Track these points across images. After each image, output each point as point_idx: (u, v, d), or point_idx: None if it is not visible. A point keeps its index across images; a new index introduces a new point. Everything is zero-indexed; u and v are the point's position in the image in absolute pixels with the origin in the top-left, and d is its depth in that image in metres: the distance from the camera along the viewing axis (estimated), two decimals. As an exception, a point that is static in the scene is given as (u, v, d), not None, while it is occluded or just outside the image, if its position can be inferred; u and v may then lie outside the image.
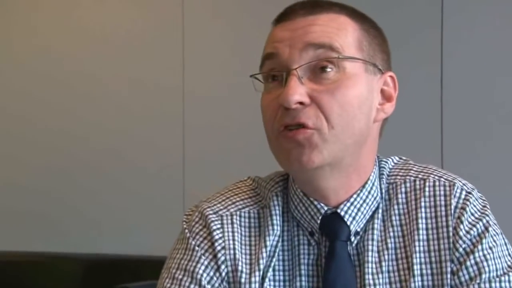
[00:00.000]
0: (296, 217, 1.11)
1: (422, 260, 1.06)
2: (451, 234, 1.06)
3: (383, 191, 1.11)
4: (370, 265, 1.06)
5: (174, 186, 3.02)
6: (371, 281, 1.05)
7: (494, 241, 1.07)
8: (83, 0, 3.25)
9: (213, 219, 1.11)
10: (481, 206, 1.10)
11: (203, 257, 1.09)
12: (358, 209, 1.08)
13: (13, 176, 3.31)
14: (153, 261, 2.64)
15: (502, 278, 1.05)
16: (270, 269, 1.08)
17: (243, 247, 1.09)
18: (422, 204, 1.08)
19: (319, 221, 1.08)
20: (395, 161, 1.16)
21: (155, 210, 3.04)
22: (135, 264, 2.89)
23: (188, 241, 1.11)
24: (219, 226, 1.10)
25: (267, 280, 1.07)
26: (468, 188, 1.10)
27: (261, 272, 1.07)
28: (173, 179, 3.03)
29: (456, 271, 1.05)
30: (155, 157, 3.07)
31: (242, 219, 1.11)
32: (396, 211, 1.10)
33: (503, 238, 1.10)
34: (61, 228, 3.18)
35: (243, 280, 1.06)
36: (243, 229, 1.10)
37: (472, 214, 1.08)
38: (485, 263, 1.05)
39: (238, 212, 1.12)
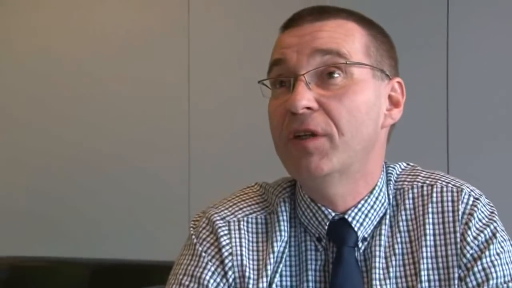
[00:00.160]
0: (303, 223, 1.10)
1: (430, 266, 1.06)
2: (458, 240, 1.06)
3: (391, 197, 1.11)
4: (377, 271, 1.06)
5: (179, 190, 3.01)
6: (379, 287, 1.05)
7: (502, 247, 1.07)
8: (83, 0, 3.23)
9: (220, 225, 1.11)
10: (488, 212, 1.10)
11: (210, 263, 1.09)
12: (366, 215, 1.08)
13: (15, 178, 3.29)
14: (159, 266, 2.65)
15: (510, 285, 1.05)
16: (277, 275, 1.08)
17: (250, 253, 1.09)
18: (430, 210, 1.08)
19: (326, 227, 1.08)
20: (402, 167, 1.16)
21: (161, 215, 3.03)
22: (141, 269, 2.89)
23: (195, 247, 1.11)
24: (226, 232, 1.10)
25: (274, 285, 1.07)
26: (475, 194, 1.10)
27: (268, 278, 1.07)
28: (179, 183, 3.02)
29: (464, 277, 1.05)
30: (160, 161, 3.06)
31: (250, 225, 1.11)
32: (404, 217, 1.10)
33: (511, 245, 1.10)
34: (68, 232, 3.17)
35: (250, 286, 1.06)
36: (250, 235, 1.10)
37: (480, 220, 1.08)
38: (492, 269, 1.05)
39: (245, 218, 1.12)
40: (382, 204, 1.10)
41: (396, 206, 1.11)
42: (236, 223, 1.11)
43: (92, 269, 2.98)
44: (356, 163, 1.05)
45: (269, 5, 2.90)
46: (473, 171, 2.52)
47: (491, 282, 1.05)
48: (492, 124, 2.60)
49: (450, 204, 1.08)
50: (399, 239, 1.08)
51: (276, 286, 1.07)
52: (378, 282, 1.06)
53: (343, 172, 1.05)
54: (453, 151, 2.63)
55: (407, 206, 1.10)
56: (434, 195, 1.09)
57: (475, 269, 1.05)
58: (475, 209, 1.08)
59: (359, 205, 1.08)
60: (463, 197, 1.09)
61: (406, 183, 1.12)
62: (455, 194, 1.09)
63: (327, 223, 1.08)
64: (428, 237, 1.07)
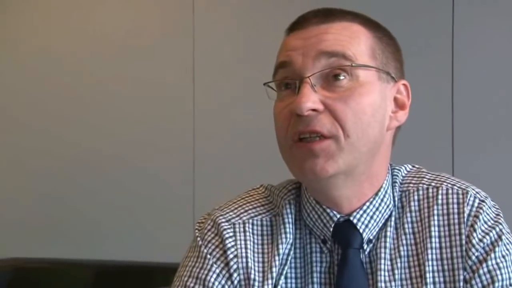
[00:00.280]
0: (308, 225, 1.10)
1: (435, 268, 1.06)
2: (464, 242, 1.06)
3: (396, 198, 1.11)
4: (382, 273, 1.06)
5: (184, 191, 3.00)
6: None
7: (507, 249, 1.07)
8: (85, 0, 3.23)
9: (225, 227, 1.11)
10: (494, 215, 1.09)
11: (215, 265, 1.09)
12: (371, 217, 1.08)
13: (15, 178, 3.30)
14: (164, 268, 2.65)
15: (516, 287, 1.05)
16: (282, 277, 1.08)
17: (255, 255, 1.09)
18: (435, 212, 1.08)
19: (331, 229, 1.08)
20: (408, 169, 1.16)
21: (165, 216, 3.02)
22: (145, 270, 2.89)
23: (200, 249, 1.11)
24: (231, 234, 1.10)
25: (279, 287, 1.07)
26: (481, 196, 1.10)
27: (274, 280, 1.07)
28: (184, 184, 3.01)
29: (469, 279, 1.05)
30: (165, 162, 3.05)
31: (255, 227, 1.11)
32: (409, 219, 1.09)
33: None
34: (71, 234, 3.16)
35: (255, 288, 1.07)
36: (255, 237, 1.10)
37: (485, 222, 1.08)
38: (498, 272, 1.05)
39: (250, 220, 1.12)
40: (388, 206, 1.10)
41: (401, 208, 1.11)
42: (242, 225, 1.11)
43: (96, 270, 2.98)
44: (362, 165, 1.05)
45: (274, 6, 2.90)
46: (478, 173, 2.52)
47: (496, 284, 1.05)
48: (497, 125, 2.59)
49: (455, 206, 1.08)
50: (404, 241, 1.08)
51: (281, 288, 1.07)
52: (383, 284, 1.06)
53: (348, 174, 1.05)
54: (458, 153, 2.63)
55: (413, 208, 1.10)
56: (440, 197, 1.09)
57: (481, 271, 1.05)
58: (481, 211, 1.08)
59: (364, 207, 1.08)
60: (469, 199, 1.08)
61: (411, 185, 1.12)
62: (460, 196, 1.09)
63: (332, 225, 1.08)
64: (433, 239, 1.07)
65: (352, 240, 1.07)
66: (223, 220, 1.11)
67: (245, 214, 1.12)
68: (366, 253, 1.08)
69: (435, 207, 1.09)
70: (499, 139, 2.59)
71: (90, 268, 2.98)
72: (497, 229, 1.08)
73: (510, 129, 2.58)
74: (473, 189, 1.11)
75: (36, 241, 3.20)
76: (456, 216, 1.08)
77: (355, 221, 1.07)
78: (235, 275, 1.08)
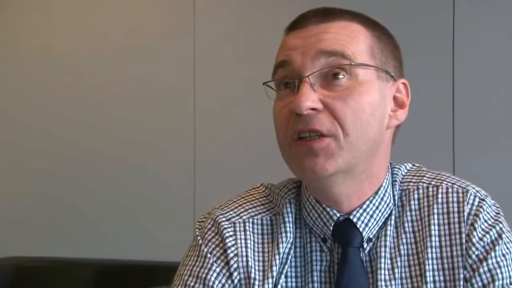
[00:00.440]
0: (308, 224, 1.11)
1: (435, 267, 1.06)
2: (464, 240, 1.06)
3: (396, 197, 1.11)
4: (383, 271, 1.06)
5: (185, 191, 3.00)
6: None
7: (508, 248, 1.07)
8: (86, 0, 3.23)
9: (225, 226, 1.11)
10: (494, 213, 1.09)
11: (215, 264, 1.09)
12: (371, 216, 1.08)
13: (16, 178, 3.30)
14: (164, 266, 2.65)
15: (516, 286, 1.05)
16: (283, 276, 1.08)
17: (255, 254, 1.09)
18: (435, 210, 1.08)
19: (331, 228, 1.08)
20: (408, 167, 1.16)
21: (166, 216, 3.02)
22: (146, 269, 2.89)
23: (200, 248, 1.11)
24: (231, 233, 1.10)
25: (279, 287, 1.07)
26: (481, 195, 1.10)
27: (274, 279, 1.07)
28: (184, 184, 3.01)
29: (469, 278, 1.05)
30: (166, 161, 3.05)
31: (255, 226, 1.11)
32: (409, 218, 1.09)
33: None
34: (72, 234, 3.17)
35: (255, 287, 1.07)
36: (256, 236, 1.11)
37: (486, 221, 1.08)
38: (498, 270, 1.05)
39: (251, 219, 1.12)
40: (387, 205, 1.10)
41: (401, 207, 1.11)
42: (242, 224, 1.11)
43: (97, 269, 2.98)
44: (361, 164, 1.05)
45: (275, 6, 2.90)
46: (479, 172, 2.52)
47: (496, 283, 1.05)
48: (498, 125, 2.59)
49: (455, 205, 1.08)
50: (404, 240, 1.08)
51: (282, 287, 1.07)
52: (383, 283, 1.06)
53: (348, 172, 1.05)
54: (459, 152, 2.63)
55: (413, 207, 1.10)
56: (440, 196, 1.09)
57: (481, 270, 1.05)
58: (481, 210, 1.08)
59: (364, 206, 1.08)
60: (469, 198, 1.08)
61: (411, 184, 1.12)
62: (460, 195, 1.09)
63: (332, 224, 1.08)
64: (433, 238, 1.07)
65: (352, 239, 1.07)
66: (224, 219, 1.12)
67: (245, 213, 1.12)
68: (366, 252, 1.08)
69: (435, 205, 1.09)
70: (500, 139, 2.59)
71: (91, 267, 2.99)
72: (497, 227, 1.08)
73: (510, 129, 2.58)
74: (473, 188, 1.11)
75: (37, 241, 3.20)
76: (456, 215, 1.08)
77: (355, 220, 1.08)
78: (235, 274, 1.08)
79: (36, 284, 3.04)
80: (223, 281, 1.08)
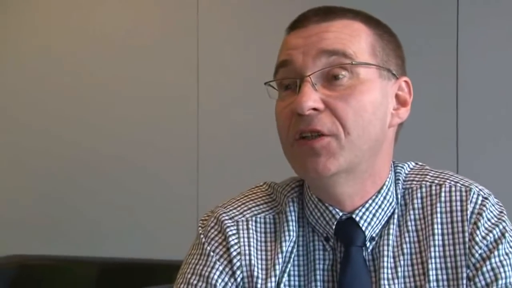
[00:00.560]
0: (311, 223, 1.11)
1: (438, 265, 1.06)
2: (467, 239, 1.06)
3: (399, 196, 1.11)
4: (385, 270, 1.06)
5: (188, 190, 3.01)
6: (387, 287, 1.05)
7: (511, 247, 1.07)
8: (87, 0, 3.23)
9: (228, 224, 1.11)
10: (497, 212, 1.09)
11: (218, 263, 1.09)
12: (374, 215, 1.08)
13: (21, 178, 3.30)
14: (167, 265, 2.65)
15: (519, 284, 1.05)
16: (286, 275, 1.08)
17: (258, 252, 1.09)
18: (438, 209, 1.08)
19: (334, 227, 1.08)
20: (411, 166, 1.16)
21: (169, 215, 3.03)
22: (149, 268, 2.89)
23: (203, 246, 1.11)
24: (234, 231, 1.10)
25: (282, 285, 1.07)
26: (484, 194, 1.10)
27: (277, 278, 1.07)
28: (188, 183, 3.01)
29: (472, 277, 1.05)
30: (169, 161, 3.05)
31: (258, 225, 1.11)
32: (412, 216, 1.09)
33: None
34: (74, 234, 3.18)
35: (258, 285, 1.07)
36: (258, 234, 1.11)
37: (489, 220, 1.07)
38: (501, 269, 1.05)
39: (253, 218, 1.12)
40: (390, 204, 1.10)
41: (404, 206, 1.10)
42: (245, 223, 1.11)
43: (100, 267, 2.99)
44: (364, 163, 1.05)
45: (278, 6, 2.90)
46: (482, 170, 2.51)
47: (500, 282, 1.04)
48: (502, 124, 2.59)
49: (458, 203, 1.08)
50: (407, 239, 1.08)
51: (285, 285, 1.07)
52: (386, 282, 1.06)
53: (350, 171, 1.05)
54: (462, 151, 2.63)
55: (416, 206, 1.10)
56: (443, 194, 1.09)
57: (484, 269, 1.05)
58: (484, 208, 1.07)
59: (367, 205, 1.08)
60: (472, 197, 1.08)
61: (414, 182, 1.12)
62: (463, 193, 1.09)
63: (335, 223, 1.08)
64: (436, 237, 1.07)
65: (354, 238, 1.07)
66: (226, 217, 1.12)
67: (248, 211, 1.12)
68: (369, 250, 1.08)
69: (438, 204, 1.08)
70: (503, 138, 2.59)
71: (93, 265, 2.99)
72: (501, 226, 1.07)
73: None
74: (476, 187, 1.10)
75: (39, 239, 3.21)
76: (459, 213, 1.08)
77: (357, 219, 1.07)
78: (238, 272, 1.08)
79: (38, 282, 3.04)
80: (226, 279, 1.08)
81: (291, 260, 1.08)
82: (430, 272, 1.05)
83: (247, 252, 1.08)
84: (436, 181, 1.11)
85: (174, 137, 3.05)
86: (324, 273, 1.08)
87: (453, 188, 1.09)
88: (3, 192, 3.31)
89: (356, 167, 1.05)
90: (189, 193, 3.00)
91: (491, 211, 1.08)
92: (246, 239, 1.09)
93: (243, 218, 1.11)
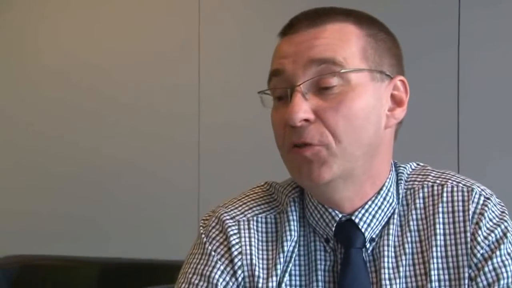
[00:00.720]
0: (311, 224, 1.11)
1: (440, 265, 1.06)
2: (469, 239, 1.06)
3: (401, 196, 1.11)
4: (386, 270, 1.06)
5: (189, 189, 3.01)
6: (388, 287, 1.05)
7: (513, 247, 1.07)
8: (90, 1, 3.24)
9: (230, 224, 1.11)
10: (499, 212, 1.09)
11: (219, 262, 1.09)
12: (373, 216, 1.08)
13: (21, 180, 3.31)
14: (169, 265, 2.65)
15: (521, 285, 1.05)
16: (287, 274, 1.08)
17: (260, 252, 1.09)
18: (440, 209, 1.08)
19: (333, 228, 1.08)
20: (413, 166, 1.16)
21: (170, 214, 3.03)
22: (150, 268, 2.90)
23: (204, 246, 1.11)
24: (236, 231, 1.10)
25: (283, 285, 1.07)
26: (486, 194, 1.10)
27: (278, 277, 1.07)
28: (188, 182, 3.01)
29: (474, 277, 1.05)
30: (170, 160, 3.05)
31: (259, 225, 1.11)
32: (414, 216, 1.09)
33: None
34: (76, 232, 3.18)
35: (260, 285, 1.07)
36: (260, 234, 1.11)
37: (491, 220, 1.07)
38: (503, 269, 1.05)
39: (255, 218, 1.12)
40: (390, 204, 1.09)
41: (406, 206, 1.10)
42: (246, 223, 1.11)
43: (101, 267, 2.99)
44: (359, 168, 1.05)
45: (279, 6, 2.90)
46: (483, 171, 2.51)
47: (502, 282, 1.04)
48: (503, 124, 2.59)
49: (460, 203, 1.08)
50: (409, 239, 1.08)
51: (286, 285, 1.07)
52: (387, 282, 1.05)
53: (346, 177, 1.05)
54: (463, 151, 2.63)
55: (418, 206, 1.10)
56: (445, 194, 1.09)
57: (486, 269, 1.05)
58: (486, 208, 1.07)
59: (366, 206, 1.08)
60: (474, 197, 1.08)
61: (416, 182, 1.12)
62: (465, 193, 1.09)
63: (334, 225, 1.08)
64: (438, 237, 1.07)
65: (354, 239, 1.07)
66: (228, 217, 1.12)
67: (249, 211, 1.12)
68: (369, 251, 1.08)
69: (440, 204, 1.08)
70: (505, 138, 2.59)
71: (96, 265, 2.99)
72: (502, 226, 1.07)
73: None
74: (478, 187, 1.10)
75: (42, 239, 3.21)
76: (461, 213, 1.07)
77: (357, 220, 1.07)
78: (239, 272, 1.08)
79: (42, 282, 3.04)
80: (227, 279, 1.08)
81: (292, 259, 1.08)
82: (432, 272, 1.05)
83: (248, 251, 1.08)
84: (438, 181, 1.11)
85: (175, 135, 3.06)
86: (325, 274, 1.08)
87: (455, 188, 1.09)
88: (4, 192, 3.31)
89: (351, 172, 1.05)
90: (191, 194, 3.00)
91: (493, 211, 1.08)
92: (247, 239, 1.09)
93: (244, 218, 1.11)
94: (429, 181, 1.11)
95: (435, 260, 1.06)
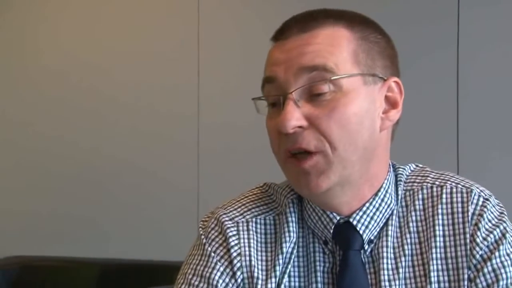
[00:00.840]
0: (310, 226, 1.11)
1: (439, 267, 1.06)
2: (468, 241, 1.06)
3: (400, 197, 1.11)
4: (385, 272, 1.06)
5: (188, 190, 3.01)
6: None
7: (512, 247, 1.07)
8: (90, 1, 3.24)
9: (229, 225, 1.11)
10: (498, 213, 1.09)
11: (219, 263, 1.09)
12: (371, 218, 1.08)
13: (22, 180, 3.31)
14: (168, 266, 2.65)
15: (520, 285, 1.05)
16: (286, 276, 1.08)
17: (259, 253, 1.09)
18: (439, 211, 1.08)
19: (331, 231, 1.08)
20: (412, 168, 1.16)
21: (170, 215, 3.02)
22: (150, 269, 2.90)
23: (204, 247, 1.11)
24: (235, 232, 1.10)
25: (282, 286, 1.07)
26: (485, 195, 1.09)
27: (277, 279, 1.07)
28: (188, 185, 3.01)
29: (473, 278, 1.05)
30: (169, 160, 3.05)
31: (258, 226, 1.12)
32: (413, 218, 1.09)
33: None
34: (76, 233, 3.18)
35: (259, 286, 1.07)
36: (259, 235, 1.11)
37: (490, 221, 1.07)
38: (502, 270, 1.05)
39: (254, 219, 1.12)
40: (388, 206, 1.09)
41: (406, 207, 1.10)
42: (245, 224, 1.11)
43: (101, 268, 2.99)
44: (356, 172, 1.05)
45: (279, 6, 2.90)
46: (483, 171, 2.51)
47: (501, 283, 1.04)
48: (503, 125, 2.59)
49: (459, 205, 1.08)
50: (408, 240, 1.08)
51: (285, 286, 1.07)
52: (387, 283, 1.05)
53: (344, 184, 1.05)
54: (463, 151, 2.63)
55: (417, 207, 1.10)
56: (444, 196, 1.09)
57: (485, 270, 1.05)
58: (485, 209, 1.07)
59: (364, 208, 1.08)
60: (473, 198, 1.08)
61: (415, 184, 1.12)
62: (464, 195, 1.09)
63: (332, 227, 1.08)
64: (438, 238, 1.07)
65: (352, 241, 1.07)
66: (227, 218, 1.12)
67: (248, 213, 1.13)
68: (368, 253, 1.08)
69: (440, 206, 1.08)
70: (504, 138, 2.59)
71: (95, 266, 2.99)
72: (501, 227, 1.07)
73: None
74: (477, 188, 1.10)
75: (42, 240, 3.21)
76: (460, 215, 1.07)
77: (354, 222, 1.07)
78: (238, 273, 1.08)
79: (41, 283, 3.04)
80: (227, 280, 1.08)
81: (292, 261, 1.08)
82: (432, 274, 1.05)
83: (247, 253, 1.09)
84: (437, 183, 1.11)
85: (175, 135, 3.05)
86: (324, 275, 1.08)
87: (454, 190, 1.09)
88: (4, 192, 3.31)
89: (348, 178, 1.05)
90: (190, 194, 3.00)
91: (492, 212, 1.08)
92: (246, 240, 1.10)
93: (243, 219, 1.12)
94: (428, 183, 1.11)
95: (434, 262, 1.06)
